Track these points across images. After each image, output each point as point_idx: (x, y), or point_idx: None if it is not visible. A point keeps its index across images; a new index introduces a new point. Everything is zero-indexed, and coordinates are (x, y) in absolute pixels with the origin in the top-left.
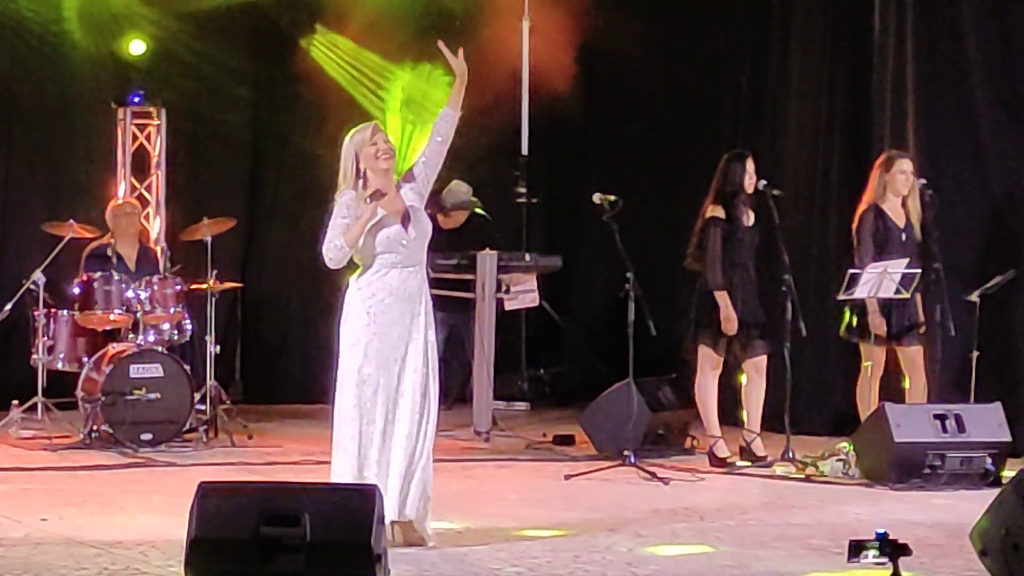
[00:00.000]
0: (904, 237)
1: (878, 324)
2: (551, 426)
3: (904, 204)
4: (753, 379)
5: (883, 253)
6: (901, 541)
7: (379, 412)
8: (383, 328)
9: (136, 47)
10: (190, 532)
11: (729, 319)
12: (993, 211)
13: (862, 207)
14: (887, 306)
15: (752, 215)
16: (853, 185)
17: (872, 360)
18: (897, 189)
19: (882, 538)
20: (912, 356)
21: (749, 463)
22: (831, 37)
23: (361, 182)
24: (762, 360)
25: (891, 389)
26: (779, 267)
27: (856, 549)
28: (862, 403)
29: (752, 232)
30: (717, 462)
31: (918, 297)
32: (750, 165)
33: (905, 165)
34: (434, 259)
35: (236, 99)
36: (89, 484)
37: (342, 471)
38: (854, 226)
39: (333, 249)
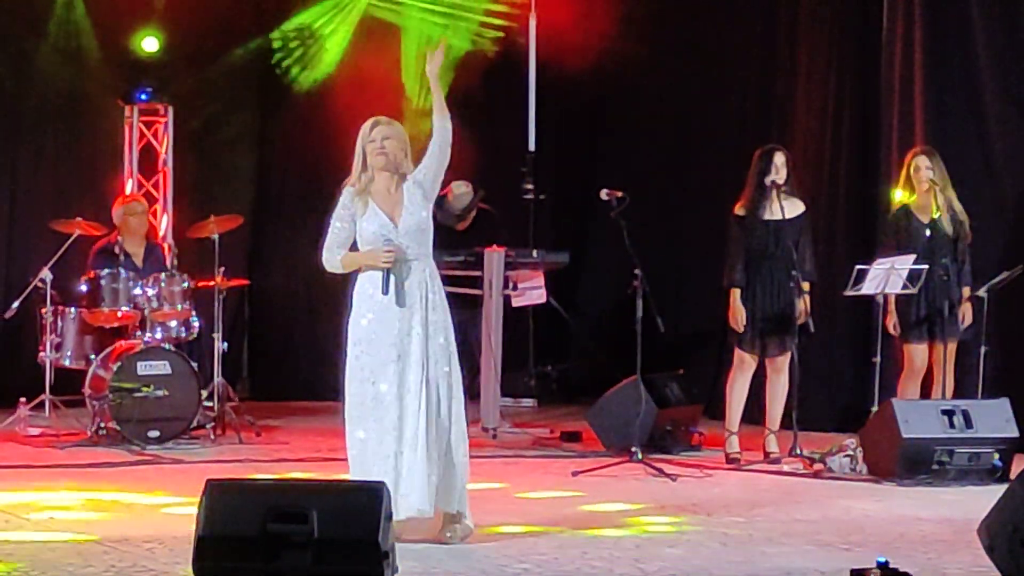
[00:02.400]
0: (928, 232)
1: (892, 324)
2: (558, 422)
3: (930, 201)
4: (771, 377)
5: (904, 250)
6: (902, 570)
7: (383, 410)
8: (380, 325)
9: (149, 44)
10: (197, 529)
11: (734, 316)
12: (1001, 206)
13: (892, 207)
14: (931, 300)
15: (787, 208)
16: (861, 181)
17: (917, 361)
18: (917, 184)
19: (883, 567)
20: (940, 353)
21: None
22: (839, 32)
23: (365, 175)
24: (780, 358)
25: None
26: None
27: None
28: None
29: (781, 225)
30: (726, 458)
31: (965, 291)
32: (778, 159)
33: (920, 161)
34: (441, 256)
35: (243, 96)
36: (96, 481)
37: (353, 469)
38: None
39: (330, 261)
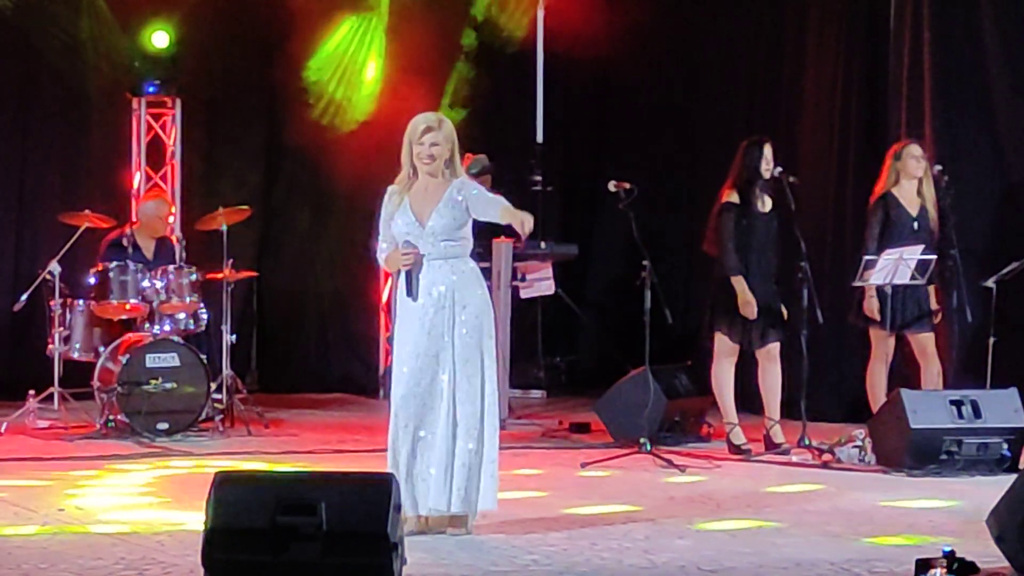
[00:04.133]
0: (916, 225)
1: (874, 308)
2: (567, 414)
3: (920, 191)
4: (766, 367)
5: (892, 241)
6: (969, 559)
7: (413, 413)
8: (414, 324)
9: (159, 39)
10: (207, 521)
11: (747, 303)
12: (1009, 197)
13: (874, 196)
14: (896, 292)
15: (769, 201)
16: (869, 172)
17: (882, 346)
18: (910, 173)
19: (949, 556)
20: (923, 343)
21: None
22: (847, 22)
23: (412, 178)
24: (774, 347)
25: (906, 376)
26: (795, 254)
27: (923, 566)
28: (872, 390)
29: (768, 218)
30: (733, 449)
31: (931, 289)
32: (768, 151)
33: (915, 150)
34: None
35: (251, 87)
36: (105, 474)
37: (389, 466)
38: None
39: (379, 259)
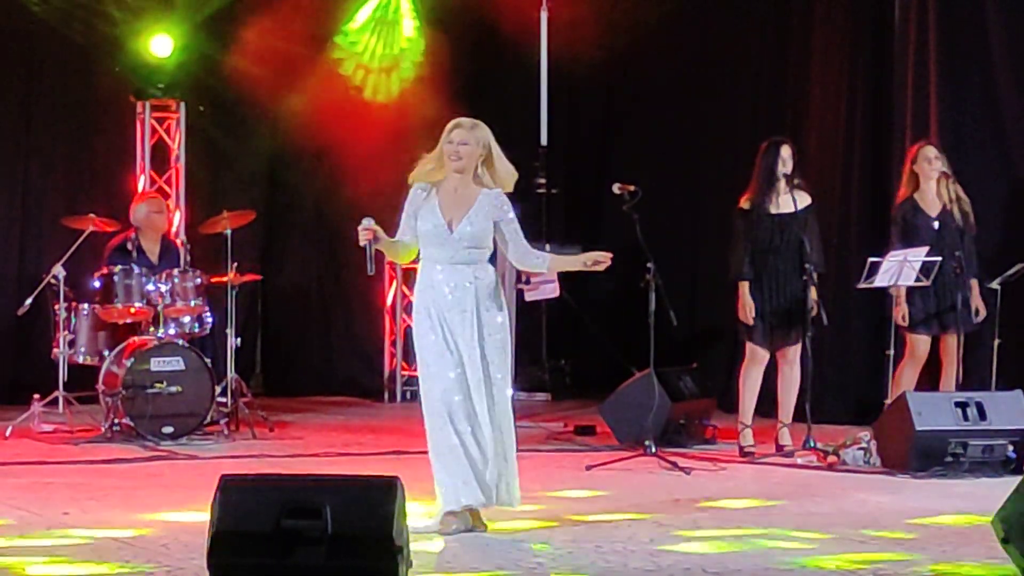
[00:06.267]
0: (937, 225)
1: (904, 314)
2: (572, 416)
3: (939, 192)
4: (782, 370)
5: (913, 244)
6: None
7: (452, 408)
8: (439, 323)
9: (162, 46)
10: (212, 525)
11: (744, 308)
12: (1015, 199)
13: (896, 202)
14: (935, 294)
15: (799, 199)
16: (874, 174)
17: (918, 349)
18: (926, 175)
19: None
20: (949, 343)
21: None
22: (852, 24)
23: (435, 167)
24: (791, 350)
25: (923, 379)
26: (800, 256)
27: None
28: (896, 391)
29: (787, 218)
30: (739, 451)
31: (973, 283)
32: (784, 151)
33: (929, 152)
34: None
35: (255, 91)
36: (110, 477)
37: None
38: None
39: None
